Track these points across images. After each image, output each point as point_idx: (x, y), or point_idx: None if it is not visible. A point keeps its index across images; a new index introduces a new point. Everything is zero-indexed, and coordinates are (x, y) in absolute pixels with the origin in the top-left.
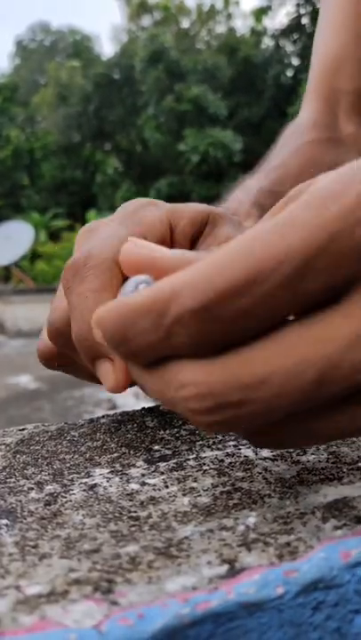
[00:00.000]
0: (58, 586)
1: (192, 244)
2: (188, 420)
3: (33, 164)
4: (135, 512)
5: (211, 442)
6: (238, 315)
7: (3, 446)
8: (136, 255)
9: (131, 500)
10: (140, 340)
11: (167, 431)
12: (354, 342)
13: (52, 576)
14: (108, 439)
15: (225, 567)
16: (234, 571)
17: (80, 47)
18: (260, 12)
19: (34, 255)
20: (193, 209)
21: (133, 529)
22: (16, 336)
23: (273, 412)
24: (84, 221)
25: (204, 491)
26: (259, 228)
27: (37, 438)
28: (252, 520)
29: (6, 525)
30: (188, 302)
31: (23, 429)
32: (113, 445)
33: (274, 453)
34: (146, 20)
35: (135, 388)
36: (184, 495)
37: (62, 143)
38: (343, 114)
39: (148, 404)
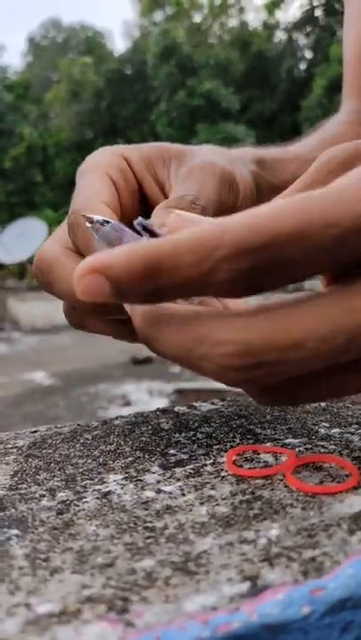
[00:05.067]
0: (70, 604)
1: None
2: (211, 376)
3: (46, 160)
4: (151, 522)
5: (228, 445)
6: (283, 262)
7: (14, 449)
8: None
9: (146, 509)
10: (180, 276)
11: (183, 434)
12: None
13: (64, 593)
14: (122, 442)
15: (246, 585)
16: (256, 589)
17: (92, 43)
18: (273, 5)
19: None
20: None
21: (149, 541)
22: (31, 332)
23: (300, 371)
24: None
25: (223, 499)
26: (317, 192)
27: (50, 441)
28: (274, 532)
29: (17, 536)
30: (242, 239)
31: (35, 431)
32: (127, 449)
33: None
34: (158, 16)
35: (149, 385)
36: (202, 504)
37: (75, 140)
38: None
39: (162, 400)
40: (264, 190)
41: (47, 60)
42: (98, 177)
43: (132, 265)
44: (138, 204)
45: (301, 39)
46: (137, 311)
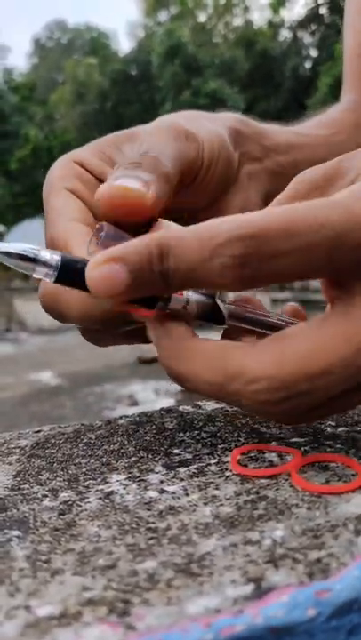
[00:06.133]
0: (70, 606)
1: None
2: (246, 410)
3: (52, 162)
4: (154, 523)
5: (233, 445)
6: (272, 253)
7: (17, 449)
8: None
9: (149, 510)
10: (186, 258)
11: (187, 433)
12: None
13: (65, 595)
14: (126, 442)
15: (250, 586)
16: (260, 591)
17: (97, 44)
18: (278, 4)
19: None
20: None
21: (152, 542)
22: (37, 333)
23: (330, 396)
24: None
25: (227, 499)
26: (305, 202)
27: (53, 441)
28: (279, 533)
29: (18, 537)
30: (235, 229)
31: (39, 431)
32: (131, 449)
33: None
34: (162, 15)
35: (155, 385)
36: (205, 504)
37: (81, 141)
38: None
39: (169, 400)
40: (249, 148)
41: (52, 61)
42: (58, 196)
43: (146, 248)
44: None
45: (306, 37)
46: (162, 345)
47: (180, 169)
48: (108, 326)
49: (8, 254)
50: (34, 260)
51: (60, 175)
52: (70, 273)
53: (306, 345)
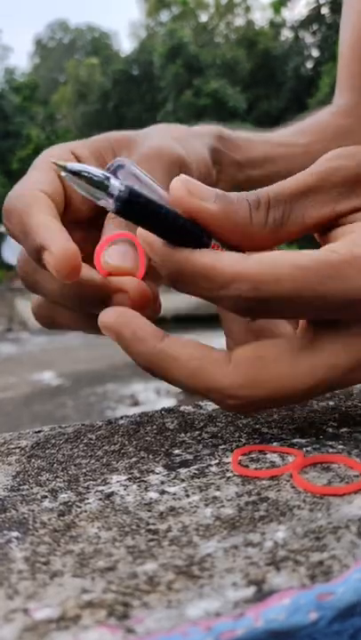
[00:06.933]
0: (69, 609)
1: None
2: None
3: None
4: (154, 524)
5: (234, 445)
6: (268, 298)
7: (17, 450)
8: (186, 202)
9: (149, 511)
10: (196, 293)
11: (188, 434)
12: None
13: (64, 597)
14: (127, 442)
15: (252, 589)
16: (261, 593)
17: (98, 44)
18: (279, 4)
19: None
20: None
21: (152, 544)
22: (39, 333)
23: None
24: None
25: (228, 501)
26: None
27: (53, 441)
28: (280, 535)
29: (17, 538)
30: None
31: (39, 431)
32: (131, 449)
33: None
34: (164, 16)
35: (157, 385)
36: (206, 506)
37: None
38: None
39: (170, 400)
40: (225, 165)
41: (54, 61)
42: (42, 171)
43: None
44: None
45: (308, 37)
46: (136, 352)
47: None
48: (80, 304)
49: (77, 174)
50: (102, 187)
51: (54, 154)
52: (136, 207)
53: (280, 371)
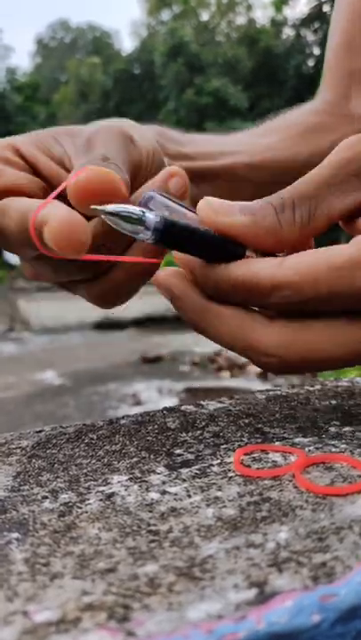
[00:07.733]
0: (69, 612)
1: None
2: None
3: None
4: (155, 525)
5: (236, 445)
6: (306, 299)
7: (18, 450)
8: (215, 221)
9: (150, 512)
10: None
11: (190, 433)
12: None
13: (64, 599)
14: (128, 442)
15: (253, 591)
16: (263, 595)
17: (100, 43)
18: (281, 2)
19: None
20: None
21: (153, 545)
22: (40, 332)
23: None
24: None
25: (230, 501)
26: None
27: (54, 441)
28: (282, 536)
29: (17, 539)
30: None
31: (40, 431)
32: (132, 449)
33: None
34: (165, 14)
35: (159, 384)
36: (208, 506)
37: None
38: (357, 94)
39: (172, 399)
40: (171, 156)
41: (55, 60)
42: None
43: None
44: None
45: (309, 35)
46: (187, 306)
47: (130, 174)
48: (30, 250)
49: (114, 214)
50: (139, 222)
51: None
52: (172, 235)
53: (318, 338)
